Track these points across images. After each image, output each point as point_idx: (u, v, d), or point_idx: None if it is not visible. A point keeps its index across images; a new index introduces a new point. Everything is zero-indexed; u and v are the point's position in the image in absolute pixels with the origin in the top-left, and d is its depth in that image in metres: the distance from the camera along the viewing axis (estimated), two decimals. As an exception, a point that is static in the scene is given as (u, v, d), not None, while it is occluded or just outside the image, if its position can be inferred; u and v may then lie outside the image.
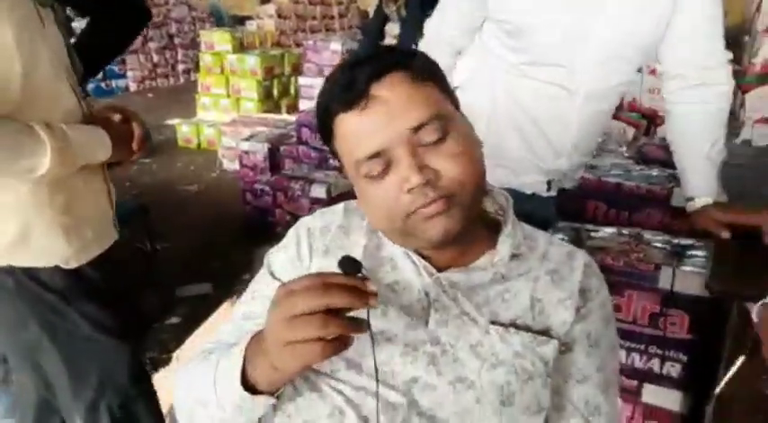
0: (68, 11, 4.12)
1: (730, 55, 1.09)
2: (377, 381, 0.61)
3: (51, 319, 1.04)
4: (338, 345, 0.53)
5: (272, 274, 0.76)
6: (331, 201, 2.52)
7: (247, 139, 3.12)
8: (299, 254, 0.75)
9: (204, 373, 0.65)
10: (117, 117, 1.07)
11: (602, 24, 1.05)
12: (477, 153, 0.66)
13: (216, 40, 4.80)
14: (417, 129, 0.61)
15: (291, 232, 0.80)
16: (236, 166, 3.31)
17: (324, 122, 0.66)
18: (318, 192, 2.56)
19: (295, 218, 2.63)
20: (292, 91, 5.03)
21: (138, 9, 1.39)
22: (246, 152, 3.06)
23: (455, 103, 0.69)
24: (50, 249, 0.99)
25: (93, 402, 1.12)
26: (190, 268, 2.51)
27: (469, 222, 0.65)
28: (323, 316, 0.51)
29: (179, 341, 2.03)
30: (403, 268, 0.71)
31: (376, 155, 0.62)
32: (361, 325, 0.54)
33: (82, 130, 0.98)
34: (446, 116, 0.63)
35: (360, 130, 0.62)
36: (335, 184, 2.59)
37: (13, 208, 0.95)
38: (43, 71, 0.92)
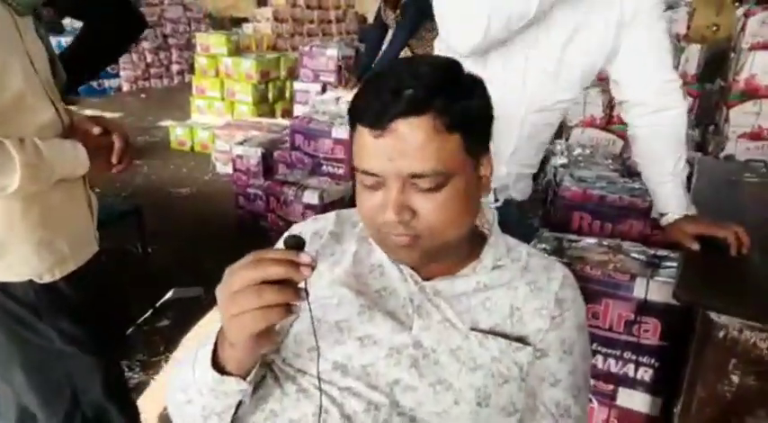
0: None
1: (680, 81, 1.17)
2: (318, 355, 0.66)
3: (22, 333, 1.01)
4: (280, 311, 0.55)
5: None
6: (324, 207, 2.56)
7: (241, 143, 3.14)
8: None
9: (186, 361, 0.69)
10: (96, 130, 1.02)
11: (537, 51, 1.12)
12: (465, 208, 0.68)
13: (212, 42, 4.81)
14: (415, 176, 0.64)
15: (283, 238, 0.83)
16: (230, 169, 3.33)
17: (350, 114, 0.69)
18: (311, 198, 2.59)
19: (287, 223, 2.67)
20: (288, 95, 5.04)
21: (134, 16, 1.39)
22: (240, 156, 3.08)
23: (478, 149, 0.68)
24: (23, 264, 0.97)
25: (68, 415, 1.10)
26: (181, 271, 2.53)
27: (433, 257, 0.70)
28: (257, 287, 0.54)
29: (168, 343, 2.05)
30: (390, 275, 0.76)
31: (372, 174, 0.66)
32: (299, 292, 0.56)
33: (57, 146, 0.94)
34: (450, 173, 0.65)
35: (368, 149, 0.65)
36: (328, 190, 2.62)
37: None
38: (17, 84, 0.88)
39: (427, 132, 0.63)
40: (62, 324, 1.04)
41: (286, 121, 3.72)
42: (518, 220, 1.38)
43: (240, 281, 0.55)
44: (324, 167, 2.78)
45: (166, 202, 3.46)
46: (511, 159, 1.25)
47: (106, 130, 1.04)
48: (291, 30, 6.84)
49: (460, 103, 0.64)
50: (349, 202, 2.68)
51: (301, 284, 0.57)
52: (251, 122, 4.10)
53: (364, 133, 0.65)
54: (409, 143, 0.63)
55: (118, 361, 1.27)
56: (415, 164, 0.63)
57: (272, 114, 4.86)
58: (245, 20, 7.32)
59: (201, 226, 3.11)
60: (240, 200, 3.11)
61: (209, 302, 2.22)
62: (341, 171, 2.74)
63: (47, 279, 0.99)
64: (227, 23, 8.18)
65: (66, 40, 1.42)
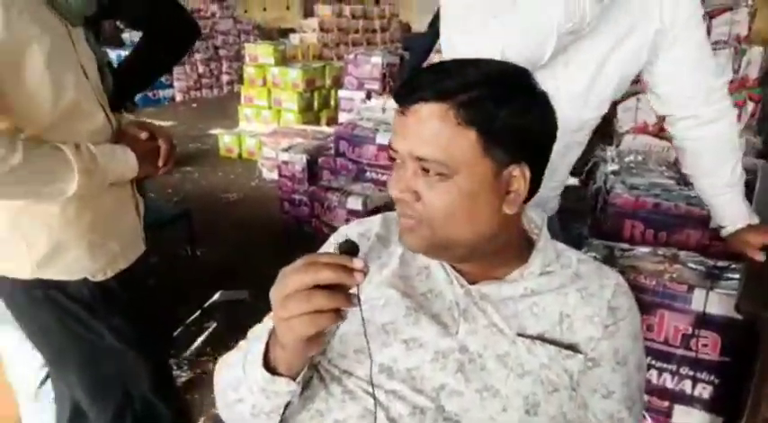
0: (118, 23, 4.32)
1: (726, 87, 1.09)
2: (371, 360, 0.66)
3: (76, 328, 1.05)
4: (330, 317, 0.55)
5: None
6: (367, 213, 2.56)
7: (286, 150, 3.20)
8: None
9: (237, 358, 0.70)
10: (144, 135, 1.08)
11: (567, 76, 1.07)
12: (467, 210, 0.66)
13: (260, 52, 4.94)
14: (422, 159, 0.65)
15: (331, 240, 0.84)
16: (275, 175, 3.39)
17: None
18: (355, 203, 2.60)
19: (331, 228, 2.69)
20: (332, 103, 5.12)
21: (190, 25, 1.44)
22: (285, 162, 3.14)
23: (505, 158, 0.66)
24: (78, 265, 1.02)
25: (119, 411, 1.14)
26: (228, 274, 2.59)
27: (440, 252, 0.70)
28: (308, 292, 0.54)
29: (215, 344, 2.09)
30: (436, 278, 0.75)
31: (393, 149, 0.68)
32: (350, 299, 0.56)
33: (108, 151, 0.99)
34: (455, 167, 0.64)
35: (395, 126, 0.68)
36: (372, 196, 2.63)
37: (43, 227, 0.97)
38: (72, 92, 0.93)
39: (442, 120, 0.63)
40: (113, 321, 1.08)
41: (331, 129, 3.77)
42: (568, 231, 1.33)
43: (292, 284, 0.55)
44: (368, 173, 2.79)
45: (215, 206, 3.56)
46: (547, 181, 1.23)
47: (152, 134, 1.09)
48: (337, 39, 6.94)
49: (487, 103, 0.63)
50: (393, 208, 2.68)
51: (353, 290, 0.56)
52: (296, 130, 4.17)
53: (397, 110, 0.68)
54: (424, 126, 0.64)
55: (166, 359, 1.30)
56: (423, 147, 0.64)
57: (318, 122, 4.94)
58: (293, 30, 7.48)
59: (248, 230, 3.18)
60: (285, 205, 3.16)
61: (256, 305, 2.27)
62: (385, 177, 2.74)
63: (100, 277, 1.04)
64: (275, 34, 8.40)
65: (125, 53, 1.50)
